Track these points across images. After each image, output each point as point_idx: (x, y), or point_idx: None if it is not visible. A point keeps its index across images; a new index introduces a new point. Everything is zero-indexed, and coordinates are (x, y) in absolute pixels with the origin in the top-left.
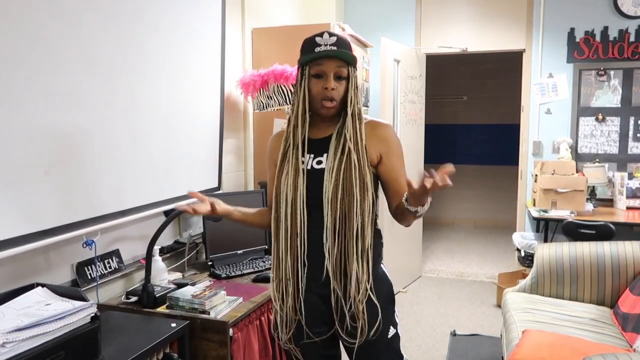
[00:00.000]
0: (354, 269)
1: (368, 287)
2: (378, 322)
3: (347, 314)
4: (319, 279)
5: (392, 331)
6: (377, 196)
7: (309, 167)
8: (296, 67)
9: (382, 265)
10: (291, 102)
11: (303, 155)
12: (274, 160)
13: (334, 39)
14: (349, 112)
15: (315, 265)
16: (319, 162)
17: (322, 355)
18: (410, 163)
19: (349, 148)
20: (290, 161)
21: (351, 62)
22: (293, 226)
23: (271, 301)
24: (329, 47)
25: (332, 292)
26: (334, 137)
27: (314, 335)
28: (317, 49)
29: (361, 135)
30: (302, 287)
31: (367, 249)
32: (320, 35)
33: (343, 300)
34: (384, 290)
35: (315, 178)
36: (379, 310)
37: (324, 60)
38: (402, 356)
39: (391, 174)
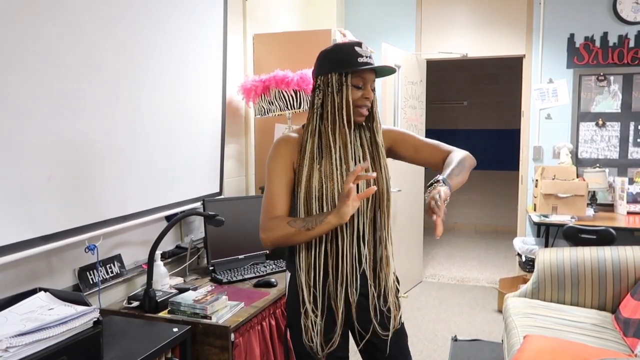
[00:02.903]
0: (389, 269)
1: (396, 281)
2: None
3: (383, 308)
4: (353, 277)
5: (402, 317)
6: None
7: None
8: (300, 72)
9: None
10: (315, 107)
11: (347, 162)
12: (292, 162)
13: (369, 51)
14: (377, 119)
15: (349, 266)
16: (349, 169)
17: (336, 357)
18: (411, 168)
19: (382, 153)
20: (328, 165)
21: (385, 76)
22: (335, 235)
23: (273, 306)
24: (368, 60)
25: (369, 291)
26: (356, 144)
27: (334, 338)
28: (361, 60)
29: (382, 141)
30: (354, 291)
31: (392, 249)
32: (359, 45)
33: (377, 298)
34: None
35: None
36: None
37: (366, 73)
38: (407, 337)
39: (414, 146)
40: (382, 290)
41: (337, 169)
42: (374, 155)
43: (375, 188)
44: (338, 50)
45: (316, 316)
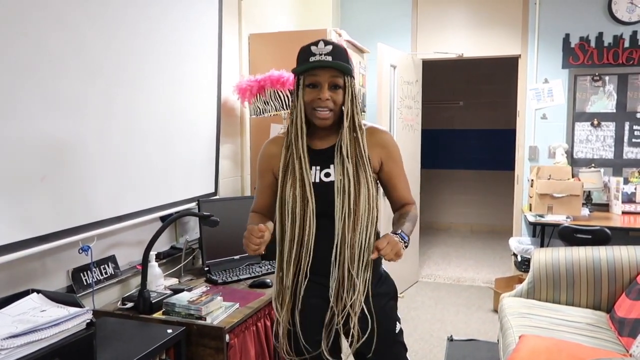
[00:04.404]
0: (359, 279)
1: (363, 299)
2: (370, 324)
3: (340, 322)
4: (326, 285)
5: (398, 326)
6: (377, 199)
7: (317, 180)
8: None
9: (382, 267)
10: (290, 111)
11: (310, 168)
12: (271, 167)
13: (329, 47)
14: (345, 125)
15: (321, 273)
16: (327, 175)
17: None
18: (408, 168)
19: (348, 166)
20: (295, 173)
21: (346, 72)
22: (299, 237)
23: (268, 307)
24: (323, 57)
25: (336, 301)
26: (337, 149)
27: (315, 343)
28: (312, 59)
29: (363, 147)
30: (299, 296)
31: (369, 260)
32: (316, 44)
33: (341, 307)
34: (389, 288)
35: (323, 191)
36: (374, 318)
37: (318, 71)
38: (406, 348)
39: (391, 180)
40: (345, 311)
41: (298, 178)
42: (353, 166)
43: None
44: (299, 52)
45: (281, 317)
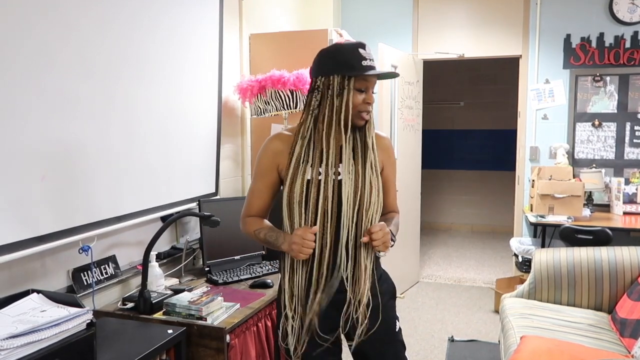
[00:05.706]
0: (366, 274)
1: (372, 289)
2: (380, 318)
3: (353, 316)
4: (334, 286)
5: (397, 325)
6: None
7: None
8: (296, 72)
9: (381, 266)
10: (311, 108)
11: (336, 166)
12: (276, 164)
13: (370, 52)
14: (371, 121)
15: (330, 272)
16: (336, 173)
17: None
18: (408, 169)
19: (371, 154)
20: (312, 169)
21: (385, 79)
22: (319, 234)
23: (269, 307)
24: (371, 63)
25: (347, 298)
26: (348, 147)
27: (324, 342)
28: (364, 63)
29: (374, 143)
30: (323, 296)
31: (375, 254)
32: (362, 47)
33: (354, 304)
34: (388, 287)
35: (334, 188)
36: (380, 307)
37: (371, 77)
38: (405, 347)
39: (385, 185)
40: (357, 298)
41: (323, 174)
42: (363, 157)
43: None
44: (341, 51)
45: (294, 320)
